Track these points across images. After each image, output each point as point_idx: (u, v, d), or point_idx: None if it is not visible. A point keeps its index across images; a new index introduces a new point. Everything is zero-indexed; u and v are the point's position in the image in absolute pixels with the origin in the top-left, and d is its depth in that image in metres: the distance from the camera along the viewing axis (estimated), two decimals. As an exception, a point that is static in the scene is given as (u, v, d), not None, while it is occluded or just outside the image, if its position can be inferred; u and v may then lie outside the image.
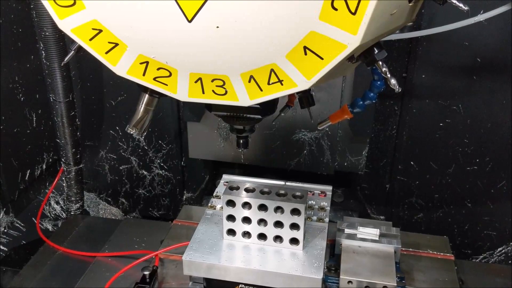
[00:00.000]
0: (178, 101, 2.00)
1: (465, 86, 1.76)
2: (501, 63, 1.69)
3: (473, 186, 1.90)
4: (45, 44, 1.72)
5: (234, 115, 1.14)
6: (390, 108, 1.90)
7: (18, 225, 1.93)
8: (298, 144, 1.91)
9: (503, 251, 1.95)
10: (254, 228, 1.32)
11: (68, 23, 0.92)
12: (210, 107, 1.12)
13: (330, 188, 1.54)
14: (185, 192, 2.25)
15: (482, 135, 1.81)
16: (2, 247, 1.83)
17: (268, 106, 1.08)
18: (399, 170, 1.97)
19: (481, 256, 1.98)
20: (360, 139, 1.91)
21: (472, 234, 1.97)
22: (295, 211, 1.27)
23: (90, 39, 0.93)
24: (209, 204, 1.49)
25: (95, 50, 0.94)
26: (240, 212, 1.31)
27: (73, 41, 0.98)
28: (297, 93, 1.06)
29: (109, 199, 2.28)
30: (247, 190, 1.32)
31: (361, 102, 1.20)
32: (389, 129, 1.94)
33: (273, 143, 1.93)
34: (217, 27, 0.84)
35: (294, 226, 1.29)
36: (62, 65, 1.74)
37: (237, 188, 1.32)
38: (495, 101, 1.75)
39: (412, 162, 1.94)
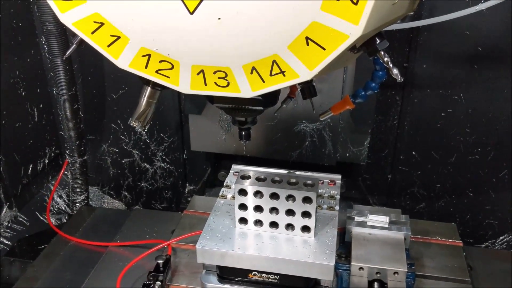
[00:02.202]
0: (179, 94, 2.01)
1: (466, 76, 1.76)
2: (502, 52, 1.69)
3: (475, 176, 1.90)
4: (47, 38, 1.72)
5: (236, 107, 1.14)
6: (391, 99, 1.90)
7: (21, 219, 1.94)
8: (300, 135, 1.91)
9: (505, 239, 1.96)
10: (266, 217, 1.33)
11: (70, 16, 0.92)
12: (212, 99, 1.13)
13: (339, 176, 1.55)
14: (187, 184, 2.26)
15: (483, 124, 1.81)
16: (6, 241, 1.84)
17: (270, 98, 1.09)
18: (400, 160, 1.97)
19: (483, 245, 1.99)
20: (362, 129, 1.91)
21: (474, 223, 1.98)
22: (306, 199, 1.28)
23: (92, 33, 0.93)
24: (220, 194, 1.50)
25: (97, 43, 0.95)
26: (251, 201, 1.32)
27: (74, 35, 0.98)
28: (299, 84, 1.06)
29: (112, 192, 2.29)
30: (258, 179, 1.33)
31: (363, 93, 1.20)
32: (390, 120, 1.94)
33: (275, 134, 1.93)
34: (219, 19, 0.84)
35: (305, 214, 1.30)
36: (64, 59, 1.74)
37: (248, 177, 1.33)
38: (496, 90, 1.75)
39: (413, 152, 1.94)
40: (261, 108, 1.14)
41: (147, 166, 2.19)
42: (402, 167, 1.98)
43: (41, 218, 2.03)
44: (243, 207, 1.33)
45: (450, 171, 1.93)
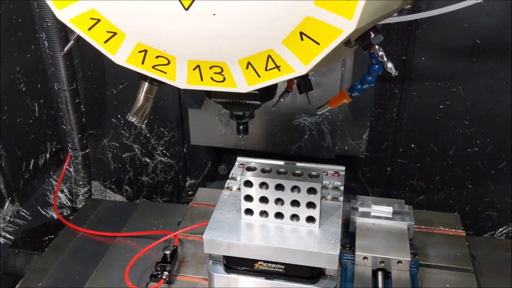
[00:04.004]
0: (178, 89, 2.01)
1: (465, 68, 1.76)
2: (500, 44, 1.69)
3: (474, 168, 1.91)
4: (47, 34, 1.73)
5: (233, 102, 1.15)
6: (390, 91, 1.90)
7: (23, 213, 1.96)
8: (298, 129, 1.91)
9: (504, 231, 1.97)
10: (271, 207, 1.34)
11: (67, 13, 0.93)
12: (209, 94, 1.14)
13: (343, 168, 1.56)
14: (187, 178, 2.27)
15: (482, 116, 1.81)
16: (8, 236, 1.86)
17: (267, 92, 1.09)
18: (400, 153, 1.98)
19: (482, 237, 1.99)
20: (361, 122, 1.92)
21: (473, 215, 1.99)
22: (311, 190, 1.29)
23: (89, 29, 0.94)
24: (225, 186, 1.52)
25: (94, 39, 0.96)
26: (257, 192, 1.33)
27: (72, 31, 0.99)
28: (295, 78, 1.07)
29: (113, 186, 2.31)
30: (263, 170, 1.34)
31: (359, 86, 1.21)
32: (389, 112, 1.94)
33: (274, 128, 1.94)
34: (214, 14, 0.85)
35: (310, 205, 1.31)
36: (62, 54, 1.76)
37: (254, 169, 1.34)
38: (495, 82, 1.75)
39: (412, 145, 1.95)
40: (258, 102, 1.14)
41: (148, 160, 2.21)
42: (401, 159, 1.99)
43: (43, 212, 2.04)
44: (248, 198, 1.34)
45: (449, 163, 1.93)
